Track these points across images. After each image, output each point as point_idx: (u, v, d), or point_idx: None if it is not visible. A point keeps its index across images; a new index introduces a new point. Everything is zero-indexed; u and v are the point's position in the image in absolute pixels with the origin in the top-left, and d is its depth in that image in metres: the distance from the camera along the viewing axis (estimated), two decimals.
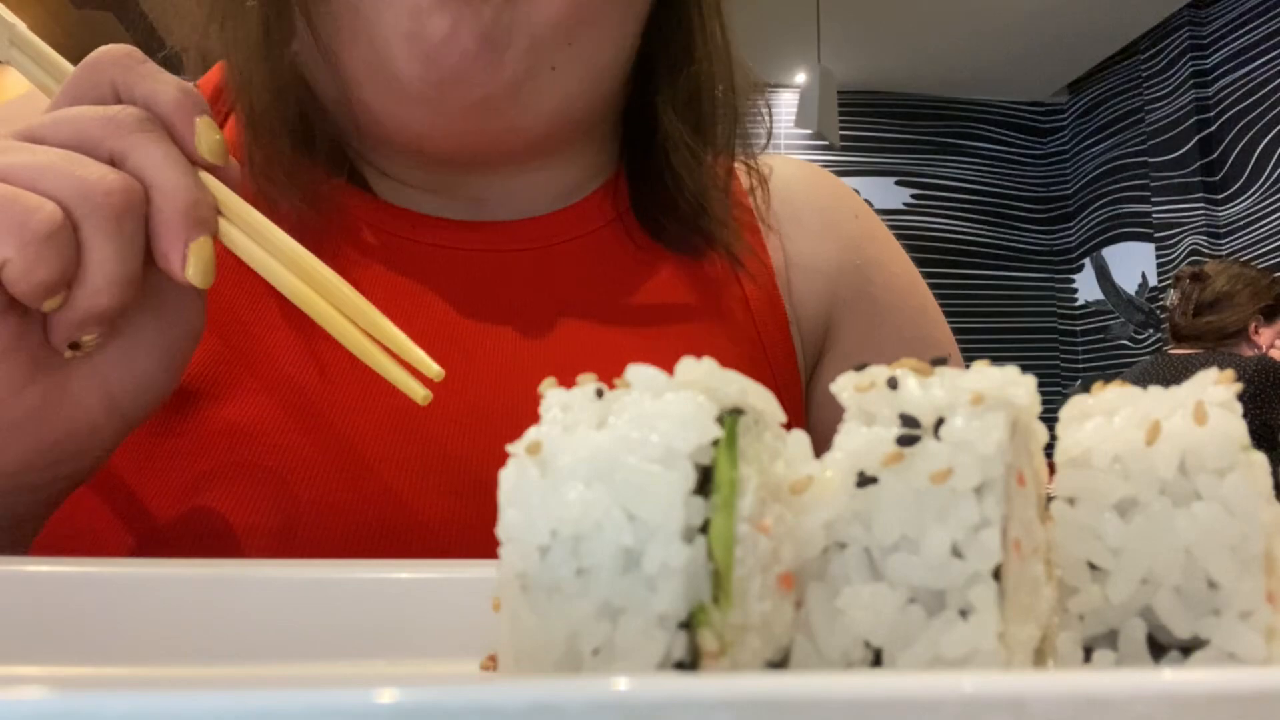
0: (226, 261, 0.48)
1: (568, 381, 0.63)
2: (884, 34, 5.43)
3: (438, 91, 0.57)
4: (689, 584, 0.25)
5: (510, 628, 0.27)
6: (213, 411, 0.57)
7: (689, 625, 0.25)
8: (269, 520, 0.55)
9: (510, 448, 0.28)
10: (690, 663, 0.25)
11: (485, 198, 0.67)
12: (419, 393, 0.47)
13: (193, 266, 0.45)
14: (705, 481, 0.26)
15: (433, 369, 0.47)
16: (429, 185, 0.66)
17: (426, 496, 0.57)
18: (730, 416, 0.27)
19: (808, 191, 0.76)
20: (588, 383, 0.29)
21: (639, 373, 0.28)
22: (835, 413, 0.76)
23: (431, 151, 0.63)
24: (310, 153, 0.63)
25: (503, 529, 0.27)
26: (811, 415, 0.72)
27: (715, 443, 0.27)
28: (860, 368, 0.30)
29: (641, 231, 0.70)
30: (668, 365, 0.70)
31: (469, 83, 0.57)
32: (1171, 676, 0.22)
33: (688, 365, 0.28)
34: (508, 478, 0.28)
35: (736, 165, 0.73)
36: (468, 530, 0.56)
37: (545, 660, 0.26)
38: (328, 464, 0.57)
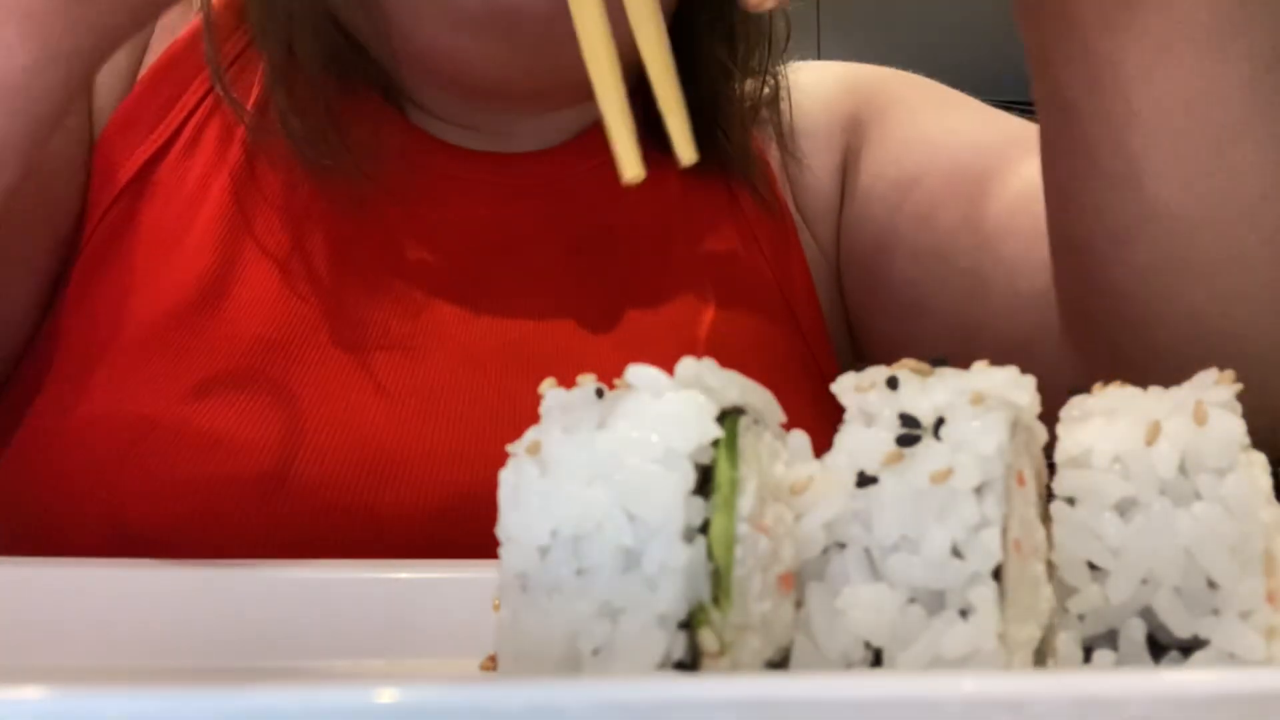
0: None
1: (590, 326, 0.59)
2: (884, 34, 5.43)
3: (505, 22, 0.54)
4: (689, 584, 0.25)
5: (510, 628, 0.27)
6: (236, 315, 0.55)
7: (689, 625, 0.25)
8: (270, 435, 0.53)
9: (510, 448, 0.28)
10: (690, 663, 0.25)
11: (514, 132, 0.64)
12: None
13: None
14: (705, 482, 0.26)
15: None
16: (457, 119, 0.63)
17: (431, 426, 0.55)
18: (730, 417, 0.27)
19: (824, 100, 0.71)
20: (588, 383, 0.29)
21: (639, 373, 0.28)
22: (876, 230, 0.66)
23: (477, 83, 0.60)
24: (350, 88, 0.60)
25: (502, 529, 0.27)
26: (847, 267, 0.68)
27: (715, 443, 0.27)
28: (860, 368, 0.30)
29: (656, 149, 0.68)
30: (689, 302, 0.64)
31: (537, 19, 0.54)
32: (1171, 676, 0.22)
33: (687, 365, 0.28)
34: (507, 478, 0.27)
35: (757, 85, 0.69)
36: (467, 465, 0.54)
37: (545, 660, 0.26)
38: (342, 383, 0.55)
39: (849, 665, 0.27)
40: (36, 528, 0.53)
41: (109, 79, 0.61)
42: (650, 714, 0.20)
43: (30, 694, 0.18)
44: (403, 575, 0.42)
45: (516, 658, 0.26)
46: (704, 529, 0.26)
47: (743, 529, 0.26)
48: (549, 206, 0.63)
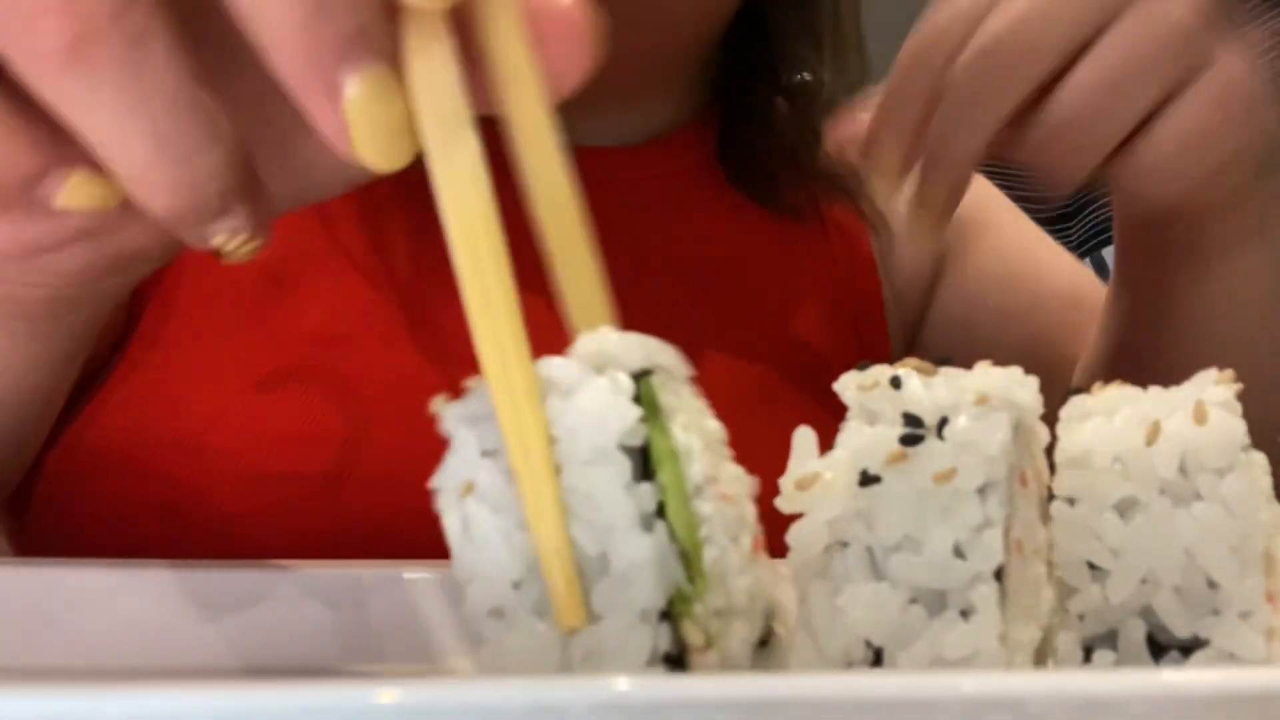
0: None
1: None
2: (884, 34, 5.42)
3: None
4: (660, 572, 0.25)
5: (492, 655, 0.26)
6: (299, 304, 0.54)
7: (670, 616, 0.25)
8: (335, 431, 0.52)
9: (436, 483, 0.27)
10: (678, 655, 0.25)
11: (575, 125, 0.62)
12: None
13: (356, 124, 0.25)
14: (646, 463, 0.26)
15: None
16: None
17: None
18: (645, 381, 0.26)
19: None
20: (478, 386, 0.27)
21: (546, 369, 0.26)
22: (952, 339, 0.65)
23: None
24: None
25: (463, 570, 0.26)
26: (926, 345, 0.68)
27: (641, 420, 0.26)
28: (863, 367, 0.30)
29: (728, 181, 0.65)
30: (755, 333, 0.62)
31: None
32: (1171, 676, 0.22)
33: (586, 340, 0.27)
34: (453, 521, 0.26)
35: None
36: None
37: (537, 671, 0.25)
38: (408, 379, 0.53)
39: (849, 664, 0.27)
40: (95, 516, 0.52)
41: None
42: (649, 714, 0.20)
43: (31, 694, 0.18)
44: (403, 575, 0.42)
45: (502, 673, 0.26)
46: (661, 513, 0.25)
47: (706, 508, 0.26)
48: (615, 205, 0.61)
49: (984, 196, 0.72)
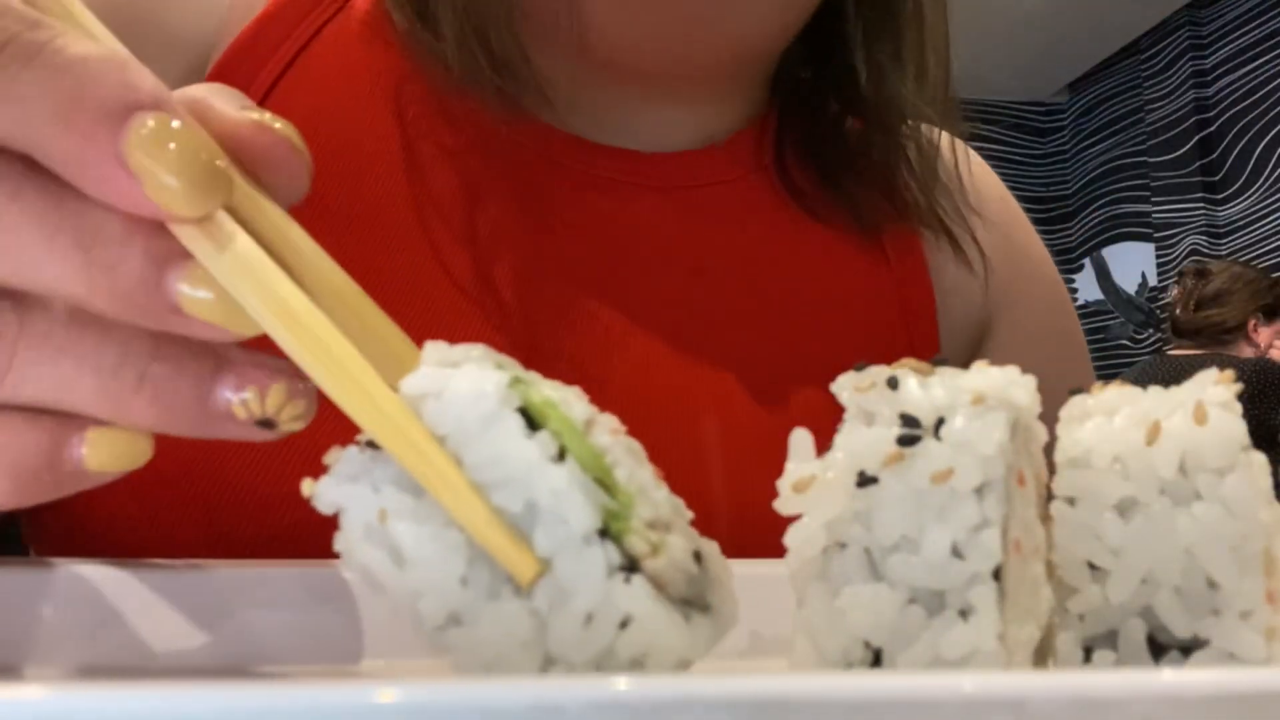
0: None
1: (703, 355, 0.56)
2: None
3: None
4: (584, 492, 0.26)
5: (466, 656, 0.26)
6: None
7: (610, 535, 0.26)
8: None
9: (339, 546, 0.27)
10: (630, 567, 0.26)
11: (633, 126, 0.60)
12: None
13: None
14: (531, 422, 0.27)
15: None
16: (574, 104, 0.58)
17: None
18: (499, 361, 0.29)
19: (965, 169, 0.68)
20: (335, 455, 0.28)
21: (416, 382, 0.27)
22: None
23: (618, 61, 0.56)
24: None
25: (403, 595, 0.27)
26: None
27: (510, 386, 0.27)
28: (860, 368, 0.30)
29: (784, 188, 0.63)
30: (809, 348, 0.61)
31: None
32: (1171, 676, 0.22)
33: (429, 350, 0.28)
34: (373, 556, 0.27)
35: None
36: None
37: (513, 650, 0.26)
38: None
39: (849, 665, 0.27)
40: (134, 532, 0.51)
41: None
42: (650, 714, 0.20)
43: (30, 694, 0.18)
44: None
45: (485, 669, 0.26)
46: (563, 456, 0.27)
47: (603, 439, 0.28)
48: (673, 213, 0.60)
49: (1031, 251, 0.71)
